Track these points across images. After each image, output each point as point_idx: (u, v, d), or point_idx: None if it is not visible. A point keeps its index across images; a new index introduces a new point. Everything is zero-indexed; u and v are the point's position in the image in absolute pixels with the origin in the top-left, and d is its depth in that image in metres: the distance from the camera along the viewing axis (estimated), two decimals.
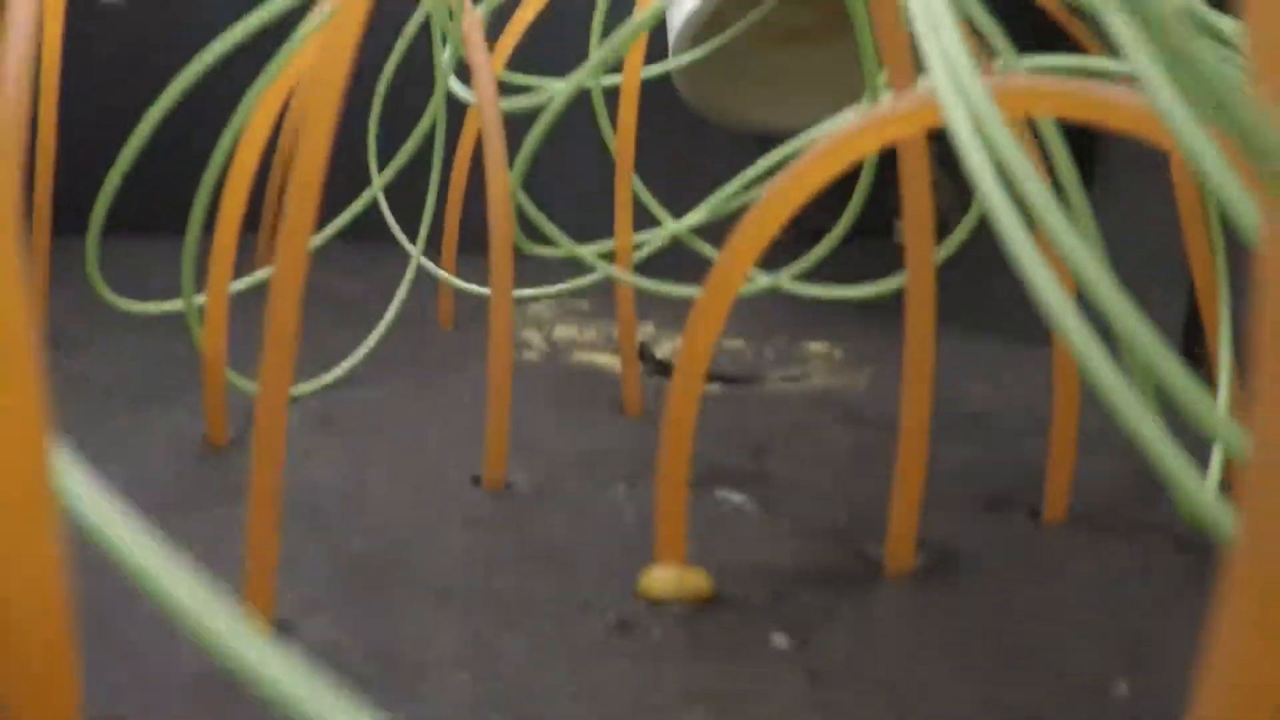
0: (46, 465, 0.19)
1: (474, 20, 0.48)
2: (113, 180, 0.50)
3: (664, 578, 0.36)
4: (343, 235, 0.68)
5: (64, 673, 0.20)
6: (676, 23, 0.64)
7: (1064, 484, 0.43)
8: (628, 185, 0.53)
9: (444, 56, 0.56)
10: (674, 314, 0.61)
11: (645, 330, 0.60)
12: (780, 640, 0.34)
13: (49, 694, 0.20)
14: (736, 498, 0.43)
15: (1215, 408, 0.24)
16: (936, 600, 0.37)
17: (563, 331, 0.62)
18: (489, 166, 0.45)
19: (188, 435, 0.47)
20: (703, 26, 0.63)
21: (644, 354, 0.57)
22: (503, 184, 0.45)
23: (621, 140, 0.53)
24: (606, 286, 0.56)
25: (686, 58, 0.64)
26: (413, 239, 0.60)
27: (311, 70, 0.50)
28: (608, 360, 0.58)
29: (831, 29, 0.67)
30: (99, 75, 0.72)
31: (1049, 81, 0.32)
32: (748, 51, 0.67)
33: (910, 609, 0.37)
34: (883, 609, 0.37)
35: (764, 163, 0.57)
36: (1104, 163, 0.63)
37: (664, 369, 0.57)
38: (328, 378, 0.52)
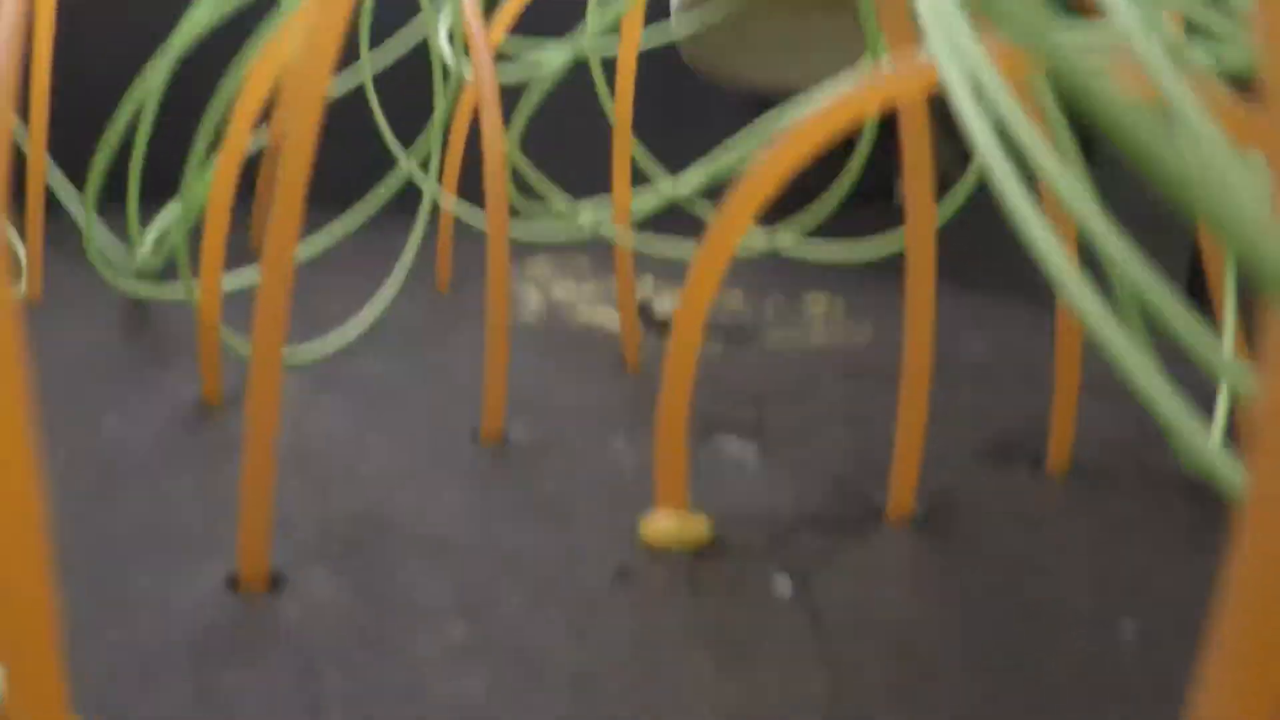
0: (26, 435, 0.19)
1: None
2: (101, 160, 0.49)
3: (664, 524, 0.36)
4: (334, 200, 0.68)
5: (49, 642, 0.20)
6: None
7: (1066, 434, 0.42)
8: (626, 145, 0.53)
9: (441, 28, 0.56)
10: (672, 271, 0.61)
11: (644, 287, 0.60)
12: (782, 584, 0.34)
13: (35, 663, 0.20)
14: (737, 447, 0.43)
15: (1220, 348, 0.24)
16: (938, 545, 0.37)
17: (561, 289, 0.61)
18: (485, 132, 0.45)
19: (184, 395, 0.47)
20: None
21: (643, 312, 0.57)
22: (498, 148, 0.45)
23: (619, 102, 0.53)
24: (605, 245, 0.55)
25: (687, 21, 0.63)
26: (409, 202, 0.59)
27: (304, 34, 0.50)
28: (607, 317, 0.58)
29: (835, 4, 0.67)
30: (92, 40, 0.72)
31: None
32: (747, 14, 0.67)
33: (911, 554, 0.37)
34: (884, 554, 0.36)
35: (761, 128, 0.57)
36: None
37: (663, 327, 0.57)
38: (328, 347, 0.52)
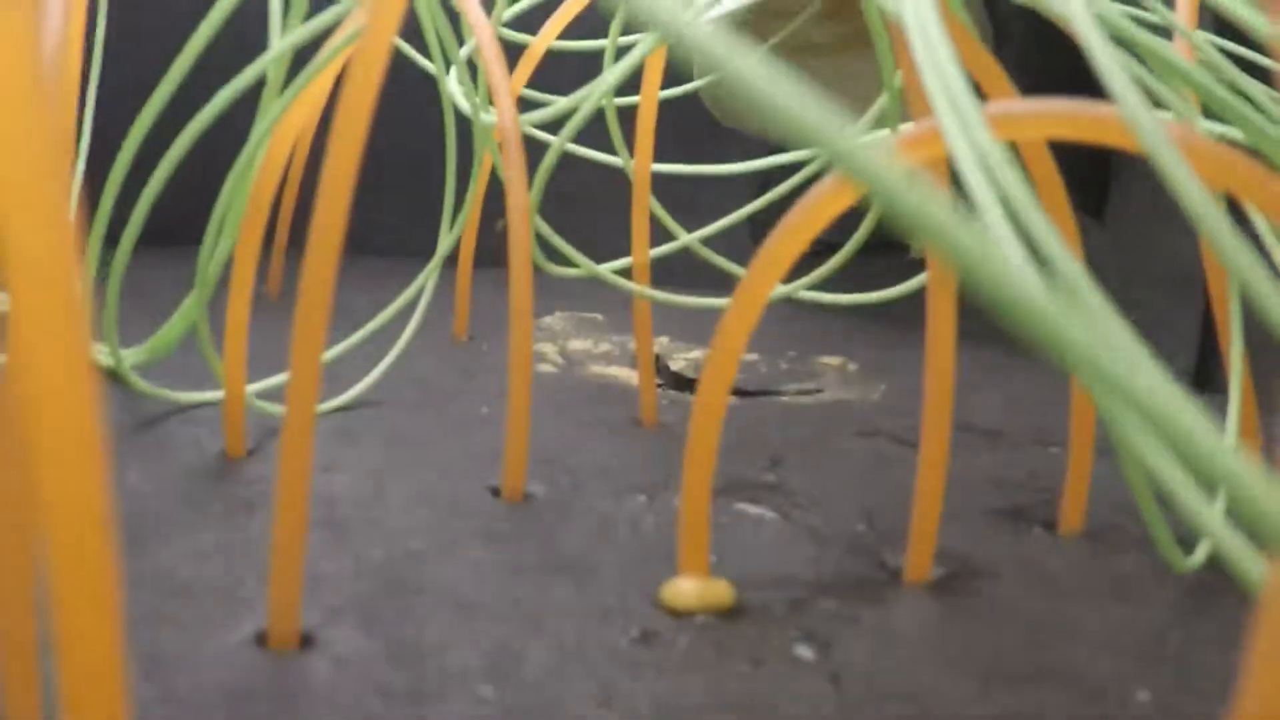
0: (102, 485, 0.20)
1: (489, 36, 0.48)
2: (131, 234, 0.49)
3: (687, 589, 0.36)
4: (350, 248, 0.68)
5: (115, 685, 0.20)
6: None
7: (1080, 497, 0.43)
8: (645, 200, 0.54)
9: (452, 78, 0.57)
10: (687, 327, 0.61)
11: (659, 343, 0.61)
12: (803, 649, 0.35)
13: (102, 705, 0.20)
14: (755, 509, 0.44)
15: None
16: (957, 609, 0.37)
17: (578, 344, 0.62)
18: (508, 183, 0.45)
19: (206, 448, 0.47)
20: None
21: (659, 366, 0.58)
22: (522, 200, 0.45)
23: (639, 157, 0.53)
24: (621, 300, 0.56)
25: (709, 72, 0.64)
26: (427, 254, 0.60)
27: (343, 77, 0.51)
28: (623, 373, 0.58)
29: (844, 46, 0.68)
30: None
31: (1040, 104, 0.33)
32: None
33: (931, 618, 0.37)
34: (903, 618, 0.37)
35: (770, 196, 0.58)
36: (1118, 189, 0.63)
37: (679, 382, 0.57)
38: (347, 396, 0.52)
